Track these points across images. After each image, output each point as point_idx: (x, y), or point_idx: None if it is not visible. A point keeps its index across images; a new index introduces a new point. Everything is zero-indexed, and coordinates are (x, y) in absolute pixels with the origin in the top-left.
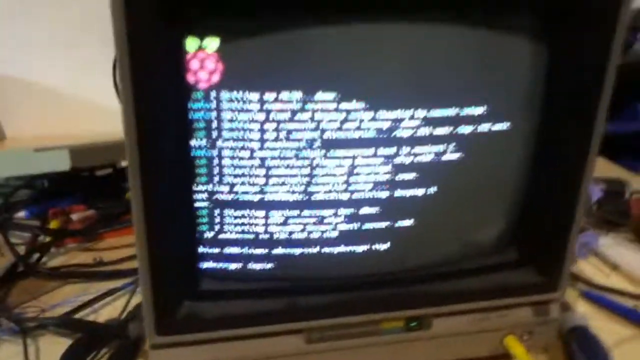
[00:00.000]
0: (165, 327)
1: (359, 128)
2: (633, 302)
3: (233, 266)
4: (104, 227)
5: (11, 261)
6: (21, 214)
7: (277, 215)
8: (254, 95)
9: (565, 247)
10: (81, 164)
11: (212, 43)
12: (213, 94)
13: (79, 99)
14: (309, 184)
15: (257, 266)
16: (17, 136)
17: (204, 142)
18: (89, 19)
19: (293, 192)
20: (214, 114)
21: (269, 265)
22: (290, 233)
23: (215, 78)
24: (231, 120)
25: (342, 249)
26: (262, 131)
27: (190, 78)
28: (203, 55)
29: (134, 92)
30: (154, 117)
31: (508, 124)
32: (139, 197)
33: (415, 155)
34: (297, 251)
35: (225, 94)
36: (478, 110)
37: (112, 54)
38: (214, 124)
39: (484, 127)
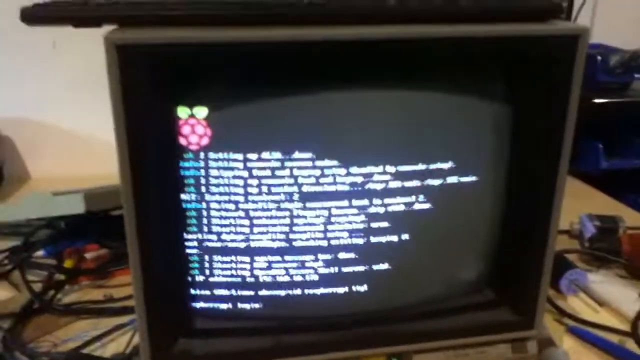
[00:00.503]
0: None
1: (334, 182)
2: (619, 338)
3: (224, 306)
4: (115, 266)
5: (28, 298)
6: (39, 252)
7: (261, 261)
8: (238, 156)
9: (539, 288)
10: (95, 207)
11: (201, 112)
12: (202, 154)
13: (100, 142)
14: (289, 232)
15: (246, 306)
16: (40, 177)
17: (193, 196)
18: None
19: (275, 240)
20: (202, 171)
21: (257, 306)
22: (275, 276)
23: (205, 141)
24: (218, 177)
25: (323, 290)
26: (246, 186)
27: (182, 141)
28: (194, 122)
29: (129, 152)
30: (147, 173)
31: (475, 176)
32: (135, 243)
33: (387, 205)
34: (282, 293)
35: (212, 155)
36: (445, 165)
37: None
38: (203, 180)
39: (453, 180)
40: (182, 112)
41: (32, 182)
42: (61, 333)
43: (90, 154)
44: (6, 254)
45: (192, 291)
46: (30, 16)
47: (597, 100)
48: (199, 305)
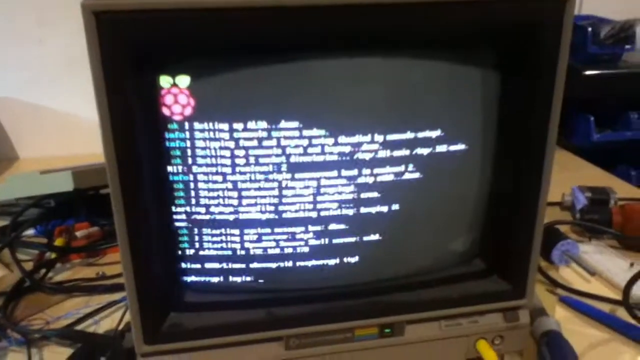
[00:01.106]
0: (152, 337)
1: (322, 152)
2: (610, 307)
3: (215, 280)
4: (106, 243)
5: (19, 277)
6: (29, 232)
7: (251, 233)
8: (224, 126)
9: (529, 257)
10: (83, 184)
11: (184, 80)
12: (186, 125)
13: (88, 122)
14: (279, 204)
15: (237, 279)
16: (29, 157)
17: (180, 168)
18: None
19: (264, 212)
20: (188, 142)
21: (248, 278)
22: (265, 249)
23: (188, 111)
24: (204, 148)
25: (314, 262)
26: (233, 157)
27: (165, 111)
28: (176, 91)
29: (112, 123)
30: (132, 146)
31: (464, 145)
32: (122, 219)
33: (377, 175)
34: (273, 265)
35: (197, 125)
36: (434, 134)
37: None
38: (189, 152)
39: (442, 148)
40: (164, 81)
41: (21, 163)
42: (53, 311)
43: (79, 134)
44: None
45: (183, 265)
46: None
47: (588, 73)
48: (190, 279)
